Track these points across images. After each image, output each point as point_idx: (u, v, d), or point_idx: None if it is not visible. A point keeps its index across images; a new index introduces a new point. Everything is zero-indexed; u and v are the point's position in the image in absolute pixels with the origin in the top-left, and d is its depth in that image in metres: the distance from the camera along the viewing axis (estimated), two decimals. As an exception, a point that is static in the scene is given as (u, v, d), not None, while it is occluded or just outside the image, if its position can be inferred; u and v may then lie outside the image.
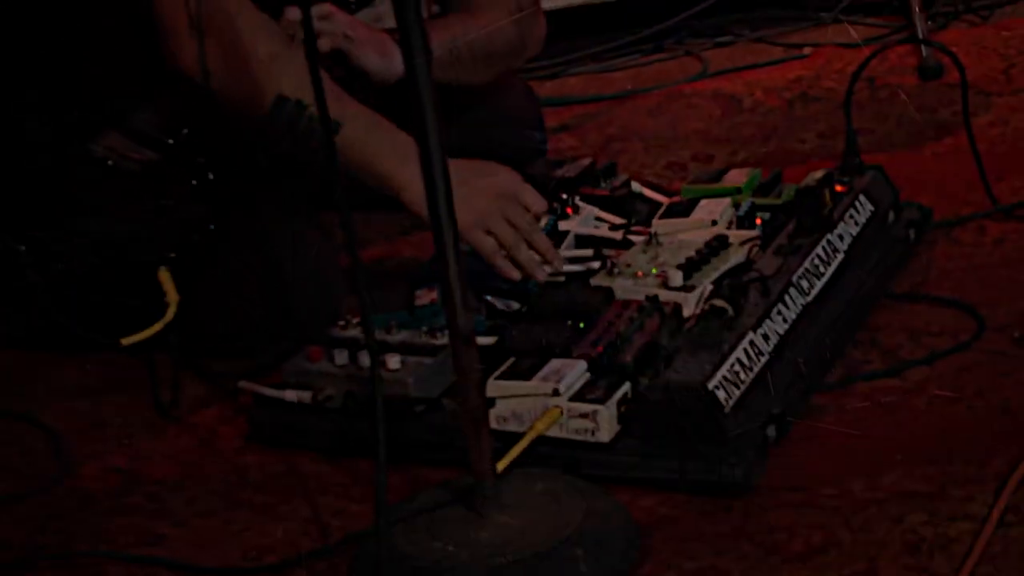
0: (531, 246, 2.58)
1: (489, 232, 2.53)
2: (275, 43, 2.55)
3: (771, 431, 2.29)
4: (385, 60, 2.74)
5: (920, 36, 3.68)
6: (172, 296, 2.55)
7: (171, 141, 2.70)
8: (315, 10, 2.68)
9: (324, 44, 2.69)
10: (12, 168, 2.67)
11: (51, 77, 2.69)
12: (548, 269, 2.56)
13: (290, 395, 2.44)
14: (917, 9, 3.72)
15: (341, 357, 2.43)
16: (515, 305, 2.58)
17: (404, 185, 2.51)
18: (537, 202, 2.59)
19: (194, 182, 2.66)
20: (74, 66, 2.71)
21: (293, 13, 2.63)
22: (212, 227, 2.65)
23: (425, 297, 2.57)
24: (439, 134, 1.90)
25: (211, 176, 2.67)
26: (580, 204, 2.85)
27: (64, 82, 2.70)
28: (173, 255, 2.58)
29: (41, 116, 2.69)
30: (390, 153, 2.51)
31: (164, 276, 2.56)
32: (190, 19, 2.50)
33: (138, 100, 2.73)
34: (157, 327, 2.52)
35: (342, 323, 2.52)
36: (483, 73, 2.86)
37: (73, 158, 2.67)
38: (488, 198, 2.53)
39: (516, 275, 2.54)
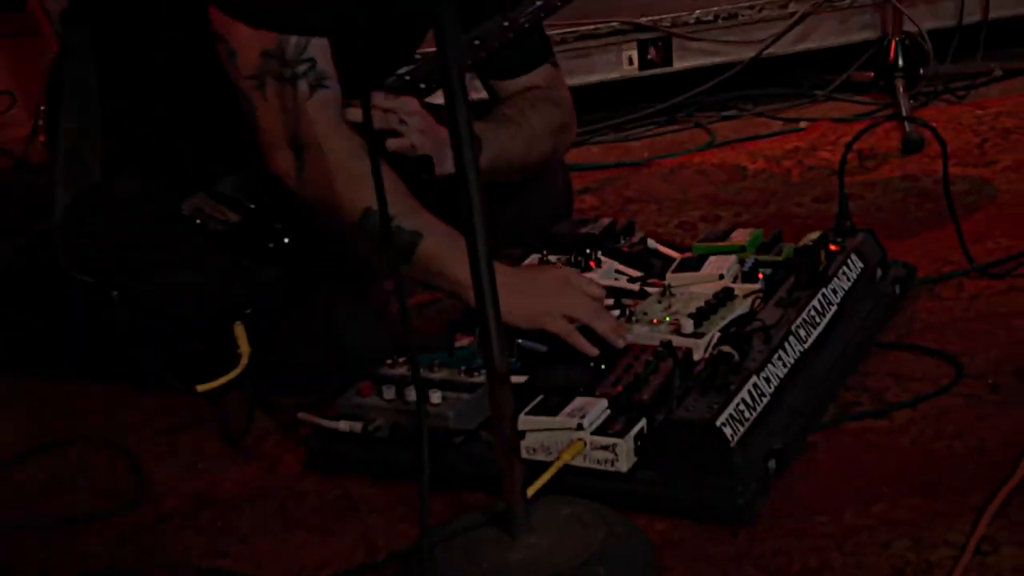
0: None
1: (564, 316, 2.46)
2: (365, 162, 2.48)
3: (772, 464, 2.25)
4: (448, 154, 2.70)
5: (904, 113, 3.64)
6: (244, 348, 2.52)
7: (252, 206, 2.66)
8: (401, 104, 2.65)
9: (397, 145, 2.64)
10: (108, 221, 2.63)
11: (151, 142, 2.65)
12: (621, 343, 2.47)
13: (343, 426, 2.40)
14: (901, 89, 3.70)
15: (389, 392, 2.39)
16: (543, 348, 2.51)
17: (464, 293, 2.45)
18: (595, 288, 2.53)
19: (271, 245, 2.62)
20: (172, 134, 2.68)
21: (378, 99, 2.60)
22: (283, 286, 2.62)
23: (463, 340, 2.52)
24: (484, 220, 1.92)
25: (286, 240, 2.62)
26: (602, 258, 2.80)
27: (161, 147, 2.66)
28: (248, 311, 2.55)
29: (137, 176, 2.66)
30: (464, 263, 2.45)
31: (239, 330, 2.53)
32: (288, 133, 2.47)
33: (225, 167, 2.68)
34: (230, 376, 2.50)
35: (390, 362, 2.47)
36: (519, 176, 2.83)
37: (163, 216, 2.62)
38: (555, 292, 2.49)
39: (595, 351, 2.46)
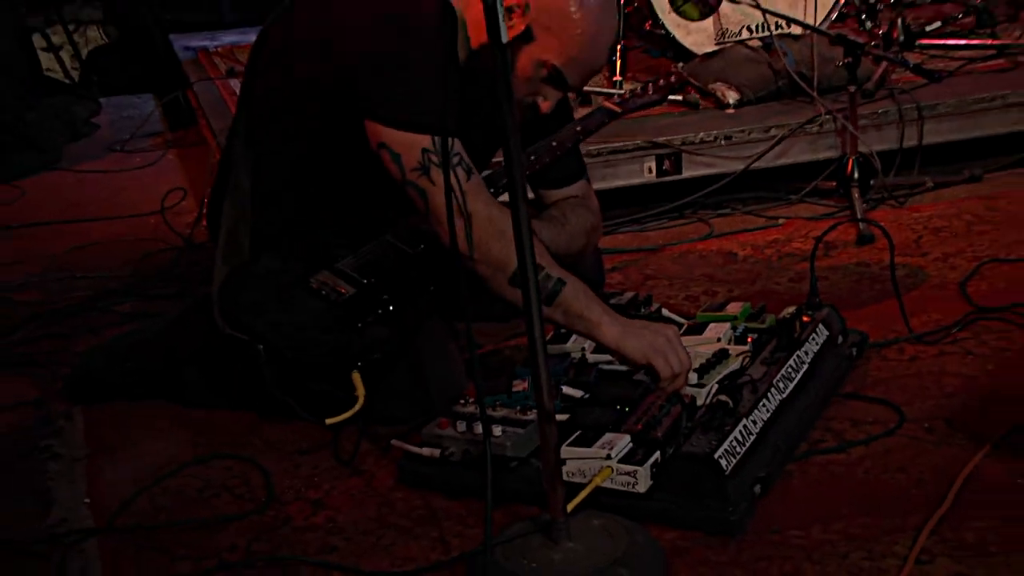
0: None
1: (667, 362, 2.42)
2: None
3: (757, 489, 2.22)
4: None
5: (858, 215, 3.60)
6: (361, 391, 2.49)
7: (366, 281, 2.63)
8: None
9: None
10: (255, 291, 2.60)
11: (287, 231, 2.63)
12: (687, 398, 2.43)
13: (426, 451, 2.38)
14: (856, 196, 3.66)
15: (461, 426, 2.36)
16: (581, 393, 2.47)
17: (605, 332, 2.43)
18: (687, 356, 2.45)
19: (379, 312, 2.59)
20: (304, 226, 2.66)
21: None
22: (389, 345, 2.58)
23: (519, 386, 2.49)
24: (538, 289, 1.96)
25: (391, 308, 2.59)
26: (628, 323, 2.74)
27: (295, 235, 2.63)
28: (360, 364, 2.53)
29: (277, 257, 2.62)
30: (596, 307, 2.45)
31: (356, 377, 2.51)
32: (459, 209, 2.40)
33: (344, 250, 2.66)
34: (352, 412, 2.47)
35: (462, 402, 2.45)
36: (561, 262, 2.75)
37: (297, 288, 2.59)
38: (665, 342, 2.43)
39: (689, 395, 2.42)
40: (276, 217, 2.62)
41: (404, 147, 2.43)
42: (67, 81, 6.23)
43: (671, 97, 4.09)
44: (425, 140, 2.42)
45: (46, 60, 6.22)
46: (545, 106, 2.59)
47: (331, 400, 2.51)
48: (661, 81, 2.96)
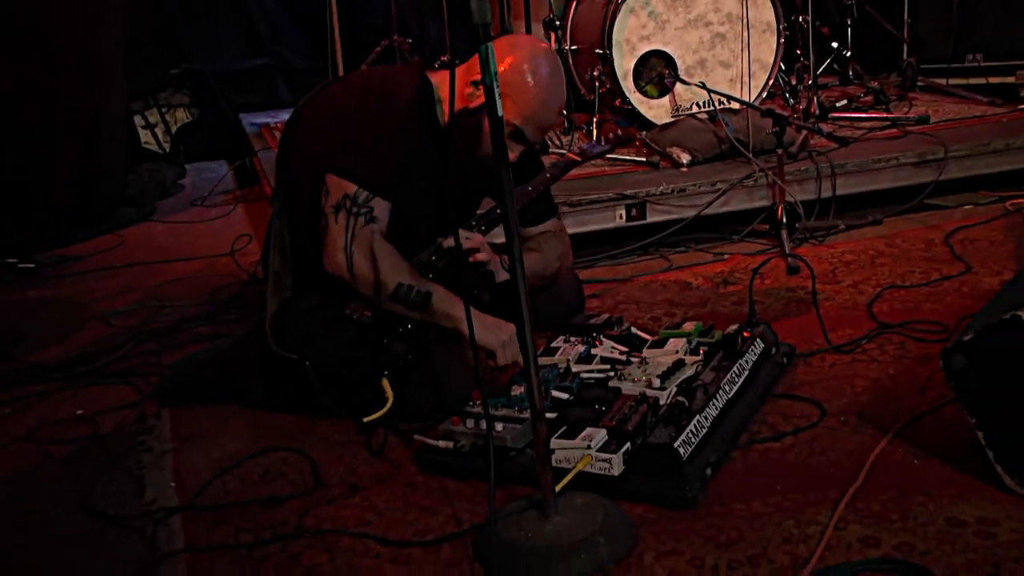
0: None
1: (503, 350, 2.50)
2: (395, 257, 2.50)
3: (709, 472, 2.19)
4: (501, 270, 2.68)
5: (787, 251, 3.56)
6: (389, 394, 2.47)
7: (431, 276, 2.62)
8: (474, 240, 2.64)
9: (481, 256, 2.63)
10: (299, 320, 2.58)
11: (321, 273, 2.55)
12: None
13: (442, 444, 2.34)
14: (784, 236, 3.63)
15: (470, 423, 2.33)
16: (566, 396, 2.44)
17: (460, 325, 2.43)
18: (516, 348, 2.47)
19: (400, 330, 2.56)
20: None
21: (449, 242, 2.57)
22: (409, 356, 2.56)
23: (517, 390, 2.45)
24: (530, 310, 1.92)
25: (409, 326, 2.56)
26: (603, 339, 2.72)
27: (327, 275, 2.55)
28: (387, 372, 2.51)
29: (315, 293, 2.59)
30: (456, 308, 2.47)
31: (385, 383, 2.49)
32: (345, 243, 2.45)
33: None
34: (383, 412, 2.46)
35: (470, 404, 2.42)
36: (539, 283, 2.79)
37: (332, 315, 2.56)
38: (507, 338, 2.49)
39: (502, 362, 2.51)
40: (310, 263, 2.58)
41: (334, 188, 2.48)
42: (160, 151, 6.22)
43: (636, 158, 4.12)
44: (351, 188, 2.47)
45: (144, 135, 6.22)
46: (512, 156, 2.58)
47: (366, 402, 2.48)
48: (612, 136, 3.04)
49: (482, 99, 2.43)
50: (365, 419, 2.45)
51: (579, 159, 2.95)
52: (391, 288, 2.47)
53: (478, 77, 2.43)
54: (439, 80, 2.58)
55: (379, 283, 2.46)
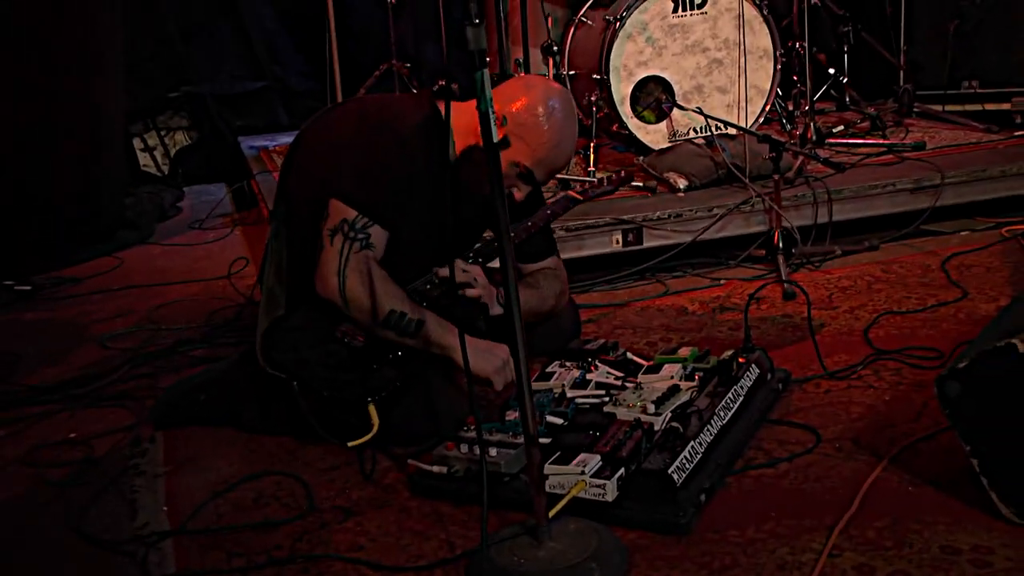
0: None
1: (500, 376, 2.52)
2: (389, 283, 2.49)
3: (703, 497, 2.18)
4: (495, 304, 2.68)
5: (783, 276, 3.57)
6: (375, 420, 2.48)
7: (424, 304, 2.62)
8: (474, 270, 2.64)
9: (473, 293, 2.62)
10: (289, 340, 2.56)
11: (314, 293, 2.55)
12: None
13: (436, 468, 2.33)
14: (781, 261, 3.63)
15: (464, 448, 2.32)
16: (561, 421, 2.44)
17: (458, 355, 2.37)
18: (512, 373, 2.48)
19: (390, 356, 2.56)
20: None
21: (444, 271, 2.59)
22: (398, 383, 2.55)
23: (511, 415, 2.44)
24: (524, 341, 1.93)
25: (400, 353, 2.56)
26: (599, 364, 2.72)
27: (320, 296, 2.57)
28: (376, 397, 2.51)
29: (307, 312, 2.58)
30: (448, 337, 2.48)
31: (372, 409, 2.49)
32: (339, 267, 2.46)
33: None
34: (367, 438, 2.46)
35: (465, 428, 2.41)
36: (535, 319, 2.81)
37: (323, 335, 2.55)
38: (501, 363, 2.51)
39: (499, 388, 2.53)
40: (306, 281, 2.58)
41: (334, 211, 2.49)
42: (159, 174, 6.23)
43: (634, 184, 4.12)
44: (350, 214, 2.48)
45: (143, 158, 6.23)
46: (518, 196, 2.60)
47: (351, 427, 2.48)
48: (614, 176, 3.05)
49: (498, 137, 2.47)
50: (351, 443, 2.44)
51: (581, 198, 2.95)
52: (384, 314, 2.46)
53: (496, 113, 2.45)
54: (457, 110, 2.55)
55: (371, 308, 2.46)
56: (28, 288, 4.25)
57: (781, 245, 3.69)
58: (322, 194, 2.51)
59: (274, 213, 2.73)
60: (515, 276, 1.93)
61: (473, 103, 2.47)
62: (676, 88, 4.39)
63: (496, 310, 2.65)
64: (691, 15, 4.36)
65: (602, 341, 2.84)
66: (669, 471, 2.14)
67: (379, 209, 2.50)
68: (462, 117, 2.52)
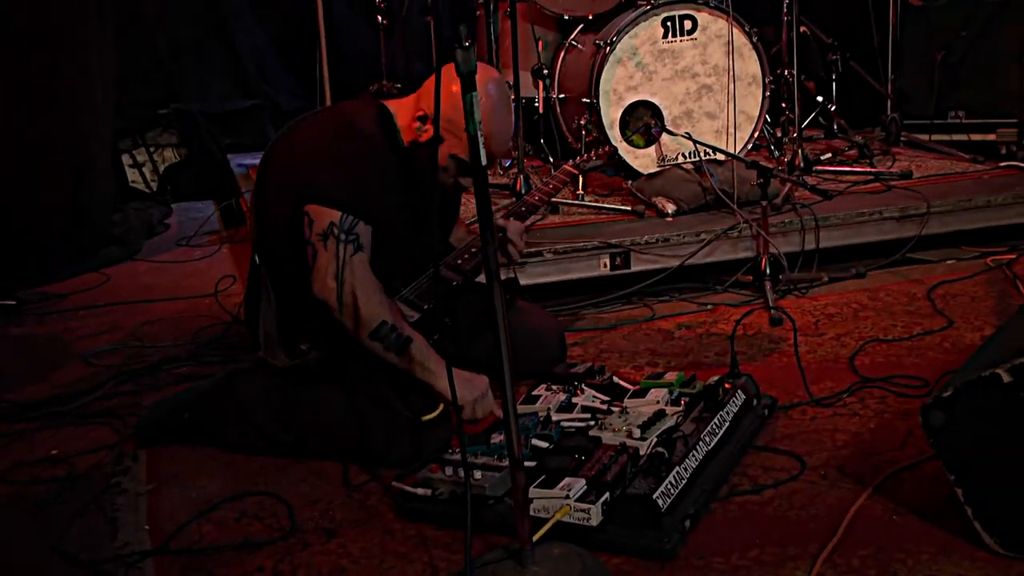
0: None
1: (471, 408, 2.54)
2: (382, 295, 2.52)
3: (688, 523, 2.18)
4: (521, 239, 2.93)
5: (770, 303, 3.58)
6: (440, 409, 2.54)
7: (426, 307, 2.67)
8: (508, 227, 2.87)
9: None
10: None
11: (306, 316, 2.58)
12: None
13: (420, 491, 2.32)
14: (768, 287, 3.65)
15: (449, 470, 2.31)
16: (546, 445, 2.43)
17: (439, 380, 2.50)
18: (490, 403, 2.56)
19: (442, 327, 2.62)
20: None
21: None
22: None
23: (497, 438, 2.44)
24: (511, 357, 1.93)
25: (448, 322, 2.63)
26: (584, 388, 2.72)
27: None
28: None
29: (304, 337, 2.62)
30: (431, 361, 2.52)
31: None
32: (337, 270, 2.48)
33: (408, 282, 2.72)
34: (437, 413, 2.52)
35: (449, 451, 2.40)
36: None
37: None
38: (479, 394, 2.54)
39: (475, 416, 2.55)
40: (296, 299, 2.59)
41: (318, 216, 2.52)
42: (147, 191, 6.20)
43: (622, 208, 4.13)
44: (335, 215, 2.51)
45: (131, 174, 6.21)
46: (466, 184, 2.70)
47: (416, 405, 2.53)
48: (601, 151, 3.18)
49: (429, 134, 2.60)
50: (425, 417, 2.49)
51: (576, 171, 3.04)
52: (373, 325, 2.48)
53: (424, 112, 2.58)
54: (395, 108, 2.68)
55: (364, 317, 2.48)
56: (13, 303, 4.23)
57: (768, 271, 3.70)
58: (299, 204, 2.53)
59: (255, 245, 2.74)
60: (501, 290, 1.92)
61: (411, 99, 2.62)
62: (665, 113, 4.41)
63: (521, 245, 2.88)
64: (681, 41, 4.38)
65: (588, 365, 2.84)
66: (654, 496, 2.13)
67: (360, 205, 2.53)
68: (405, 114, 2.65)
